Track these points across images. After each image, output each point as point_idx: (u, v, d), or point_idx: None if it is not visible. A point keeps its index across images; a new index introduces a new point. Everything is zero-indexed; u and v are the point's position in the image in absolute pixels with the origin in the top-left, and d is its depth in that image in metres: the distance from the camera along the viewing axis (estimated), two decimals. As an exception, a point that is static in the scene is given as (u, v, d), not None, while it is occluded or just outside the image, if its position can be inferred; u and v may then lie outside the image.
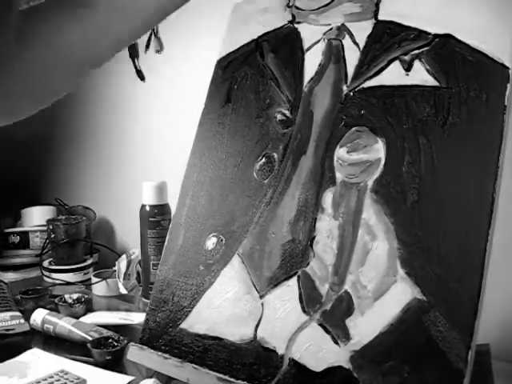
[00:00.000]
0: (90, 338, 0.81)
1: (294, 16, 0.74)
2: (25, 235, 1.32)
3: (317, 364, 0.58)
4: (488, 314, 0.55)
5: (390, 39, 0.65)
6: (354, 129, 0.64)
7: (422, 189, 0.58)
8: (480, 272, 0.52)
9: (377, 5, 0.67)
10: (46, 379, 0.70)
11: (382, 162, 0.61)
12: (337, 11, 0.70)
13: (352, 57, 0.67)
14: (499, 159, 0.54)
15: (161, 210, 0.97)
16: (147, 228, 0.97)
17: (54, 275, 1.17)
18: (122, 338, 0.79)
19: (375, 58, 0.65)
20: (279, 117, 0.71)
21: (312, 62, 0.70)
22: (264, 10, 0.77)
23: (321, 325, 0.59)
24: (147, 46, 1.26)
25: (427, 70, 0.61)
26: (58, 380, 0.70)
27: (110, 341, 0.79)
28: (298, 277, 0.62)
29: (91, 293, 1.09)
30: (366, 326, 0.56)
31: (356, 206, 0.61)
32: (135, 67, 1.29)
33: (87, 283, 1.15)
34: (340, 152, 0.64)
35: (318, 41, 0.70)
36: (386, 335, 0.55)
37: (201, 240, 0.71)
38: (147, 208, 0.97)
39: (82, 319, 0.91)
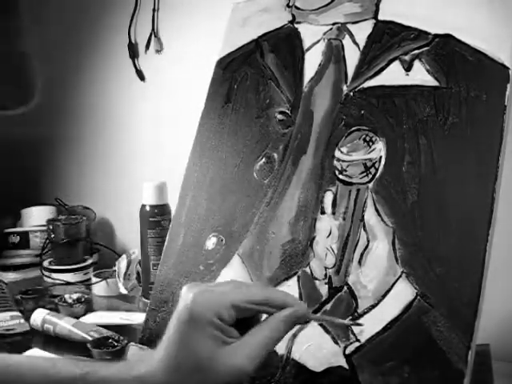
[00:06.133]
0: (90, 338, 0.81)
1: (294, 16, 0.74)
2: (25, 235, 1.32)
3: (317, 364, 0.58)
4: (488, 314, 0.55)
5: (390, 39, 0.65)
6: (353, 129, 0.64)
7: (422, 189, 0.58)
8: (480, 272, 0.52)
9: (377, 5, 0.67)
10: (46, 379, 0.70)
11: (382, 162, 0.61)
12: (337, 11, 0.70)
13: (352, 57, 0.67)
14: (499, 159, 0.54)
15: (161, 209, 0.97)
16: (147, 228, 0.97)
17: (54, 275, 1.17)
18: (121, 337, 0.79)
19: (375, 57, 0.65)
20: (279, 117, 0.71)
21: (312, 62, 0.70)
22: (264, 10, 0.77)
23: (321, 325, 0.59)
24: (147, 46, 1.26)
25: (427, 70, 0.61)
26: (58, 380, 0.69)
27: (110, 341, 0.79)
28: (298, 277, 0.62)
29: (91, 293, 1.09)
30: (366, 326, 0.56)
31: (356, 206, 0.61)
32: (135, 67, 1.29)
33: (87, 283, 1.15)
34: (340, 152, 0.64)
35: (318, 41, 0.70)
36: (386, 335, 0.55)
37: (201, 240, 0.71)
38: (147, 208, 0.97)
39: (82, 319, 0.91)
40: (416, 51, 0.62)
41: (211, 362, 0.42)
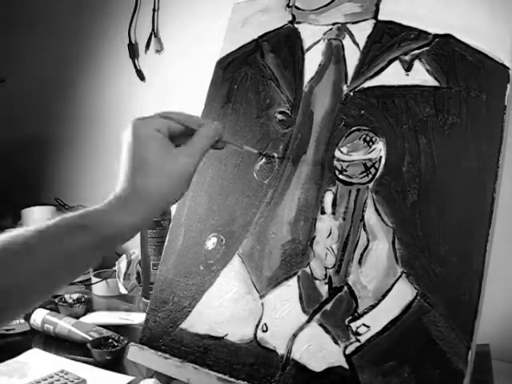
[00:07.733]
0: (90, 338, 0.81)
1: (294, 16, 0.74)
2: (25, 235, 1.31)
3: (317, 364, 0.58)
4: (488, 314, 0.55)
5: (390, 39, 0.65)
6: (354, 129, 0.64)
7: (422, 189, 0.58)
8: (480, 272, 0.52)
9: (377, 5, 0.67)
10: (46, 379, 0.70)
11: (382, 161, 0.61)
12: (337, 11, 0.70)
13: (352, 57, 0.67)
14: (499, 159, 0.54)
15: (161, 210, 0.97)
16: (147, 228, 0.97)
17: (54, 275, 1.17)
18: (122, 338, 0.79)
19: (375, 58, 0.65)
20: (279, 117, 0.71)
21: (312, 62, 0.70)
22: (264, 10, 0.77)
23: (321, 325, 0.59)
24: (147, 46, 1.26)
25: (427, 70, 0.61)
26: (58, 380, 0.70)
27: (110, 341, 0.79)
28: (298, 277, 0.62)
29: (91, 293, 1.09)
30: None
31: (356, 206, 0.61)
32: (135, 67, 1.29)
33: (87, 283, 1.15)
34: (340, 152, 0.64)
35: (318, 41, 0.70)
36: (386, 335, 0.55)
37: (201, 240, 0.71)
38: (147, 208, 0.97)
39: (82, 319, 0.91)
40: (416, 51, 0.62)
41: (161, 162, 0.51)
